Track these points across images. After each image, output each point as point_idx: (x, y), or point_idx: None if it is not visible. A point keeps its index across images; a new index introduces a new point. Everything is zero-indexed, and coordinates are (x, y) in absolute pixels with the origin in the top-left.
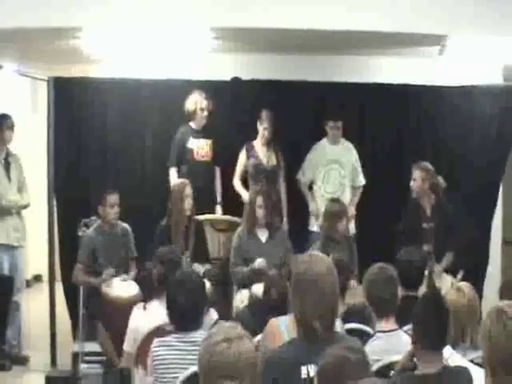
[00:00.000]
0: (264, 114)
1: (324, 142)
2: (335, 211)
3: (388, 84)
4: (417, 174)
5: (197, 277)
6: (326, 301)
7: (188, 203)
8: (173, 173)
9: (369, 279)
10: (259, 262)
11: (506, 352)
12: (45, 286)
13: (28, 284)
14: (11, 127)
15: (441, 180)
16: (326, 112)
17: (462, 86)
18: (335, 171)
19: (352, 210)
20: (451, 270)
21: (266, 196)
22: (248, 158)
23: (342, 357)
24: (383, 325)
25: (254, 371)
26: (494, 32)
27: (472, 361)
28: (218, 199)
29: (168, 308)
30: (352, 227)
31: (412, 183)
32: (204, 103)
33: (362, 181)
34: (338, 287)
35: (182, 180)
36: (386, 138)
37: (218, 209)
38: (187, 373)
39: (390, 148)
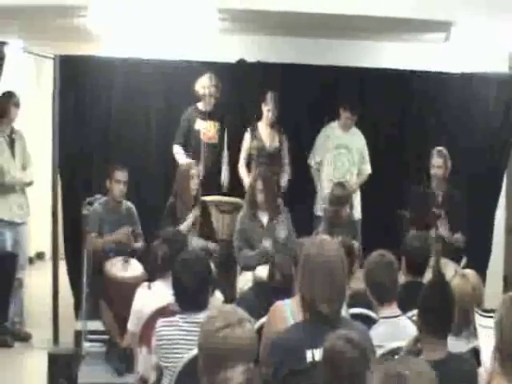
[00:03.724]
0: (269, 95)
1: (334, 125)
2: (339, 196)
3: (392, 69)
4: (439, 161)
5: (203, 257)
6: (336, 285)
7: (194, 183)
8: (177, 149)
9: (369, 266)
10: (265, 246)
11: None
12: (47, 264)
13: (30, 261)
14: (17, 104)
15: None
16: (344, 102)
17: (467, 73)
18: (343, 156)
19: (357, 193)
20: (455, 257)
21: (267, 180)
22: (252, 139)
23: (348, 340)
24: (385, 311)
25: (255, 353)
26: (500, 19)
27: (475, 348)
28: (224, 180)
29: (173, 288)
30: (358, 212)
31: (434, 171)
32: (213, 90)
33: (368, 169)
34: (346, 271)
35: (188, 160)
36: (389, 124)
37: (224, 188)
38: (192, 353)
39: (393, 134)
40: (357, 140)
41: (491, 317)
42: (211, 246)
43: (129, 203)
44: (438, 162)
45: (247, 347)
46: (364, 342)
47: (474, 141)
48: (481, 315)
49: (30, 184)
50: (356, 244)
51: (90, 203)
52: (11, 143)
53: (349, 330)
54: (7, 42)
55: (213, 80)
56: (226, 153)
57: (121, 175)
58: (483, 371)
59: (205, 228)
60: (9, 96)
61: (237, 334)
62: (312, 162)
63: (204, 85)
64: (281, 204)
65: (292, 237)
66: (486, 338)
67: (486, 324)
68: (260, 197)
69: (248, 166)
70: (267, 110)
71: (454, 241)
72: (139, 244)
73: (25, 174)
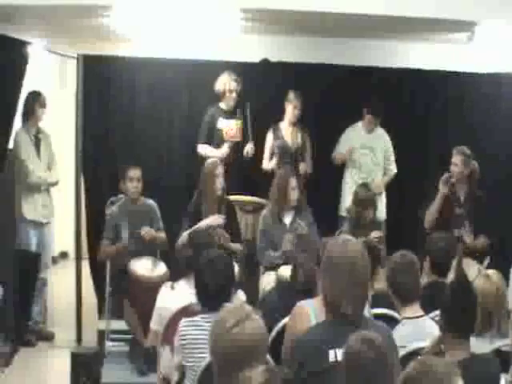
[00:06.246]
0: (293, 93)
1: (359, 125)
2: (364, 198)
3: (416, 69)
4: (458, 158)
5: (226, 257)
6: (359, 285)
7: (219, 182)
8: (203, 147)
9: (391, 267)
10: (287, 246)
11: None
12: (70, 263)
13: (54, 261)
14: (43, 104)
15: (476, 165)
16: (367, 105)
17: (491, 74)
18: (367, 157)
19: (382, 193)
20: (478, 257)
21: (298, 177)
22: (274, 139)
23: (367, 342)
24: (408, 311)
25: (267, 345)
26: None
27: (499, 349)
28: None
29: (196, 288)
30: (382, 213)
31: (453, 167)
32: (233, 84)
33: (393, 169)
34: (369, 272)
35: (213, 159)
36: (413, 124)
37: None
38: None
39: (418, 133)
40: (381, 141)
41: None
42: (236, 246)
43: (149, 201)
44: (457, 160)
45: (260, 340)
46: (384, 343)
47: (499, 141)
48: None
49: (55, 184)
50: (379, 244)
51: (113, 203)
52: (37, 143)
53: (371, 330)
54: (31, 42)
55: (232, 75)
56: (248, 151)
57: (133, 173)
58: None
59: (230, 227)
60: (35, 96)
61: (248, 329)
62: (334, 156)
63: (224, 81)
64: (305, 203)
65: (315, 236)
66: None
67: None
68: (293, 194)
69: None
70: (293, 107)
71: (479, 244)
72: (162, 236)
73: (50, 174)
